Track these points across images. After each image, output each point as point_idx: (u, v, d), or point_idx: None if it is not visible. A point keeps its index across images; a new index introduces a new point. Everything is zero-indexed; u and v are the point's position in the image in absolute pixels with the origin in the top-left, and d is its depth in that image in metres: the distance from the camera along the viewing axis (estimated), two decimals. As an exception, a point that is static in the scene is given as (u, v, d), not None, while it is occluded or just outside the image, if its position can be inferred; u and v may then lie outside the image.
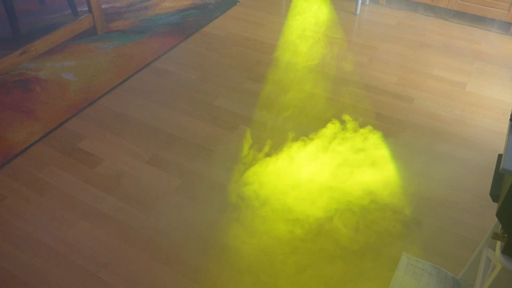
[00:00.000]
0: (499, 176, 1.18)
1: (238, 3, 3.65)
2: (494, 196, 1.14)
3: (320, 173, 2.10)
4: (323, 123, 2.39)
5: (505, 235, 1.10)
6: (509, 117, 2.42)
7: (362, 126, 2.37)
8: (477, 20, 3.35)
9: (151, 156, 2.20)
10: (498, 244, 1.15)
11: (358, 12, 3.47)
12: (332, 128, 2.36)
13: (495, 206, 1.97)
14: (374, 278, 1.70)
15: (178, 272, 1.70)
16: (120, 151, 2.23)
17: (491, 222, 1.91)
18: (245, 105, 2.52)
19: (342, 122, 2.40)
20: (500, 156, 1.20)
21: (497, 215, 1.07)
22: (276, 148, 2.24)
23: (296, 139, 2.29)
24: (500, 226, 1.13)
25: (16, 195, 2.00)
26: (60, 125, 2.39)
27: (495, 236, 1.12)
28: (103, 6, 3.59)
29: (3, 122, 2.40)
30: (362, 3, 3.56)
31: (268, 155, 2.20)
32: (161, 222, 1.89)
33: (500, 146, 2.27)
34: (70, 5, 3.39)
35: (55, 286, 1.66)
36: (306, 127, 2.36)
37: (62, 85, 2.71)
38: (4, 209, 1.94)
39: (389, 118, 2.44)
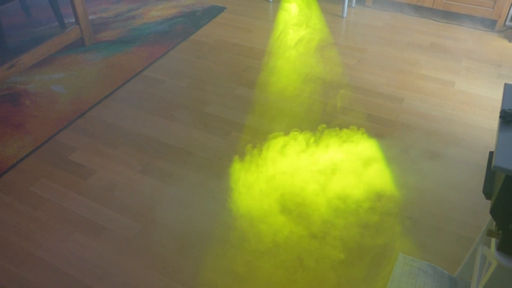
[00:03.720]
0: (491, 173, 1.19)
1: (225, 10, 3.66)
2: (487, 193, 1.15)
3: (314, 176, 2.10)
4: (314, 126, 2.39)
5: (499, 232, 1.11)
6: (498, 114, 2.44)
7: (353, 128, 2.38)
8: (463, 18, 3.38)
9: (144, 166, 2.19)
10: (493, 241, 1.16)
11: (345, 15, 3.49)
12: (323, 131, 2.37)
13: (488, 203, 1.98)
14: (371, 279, 1.70)
15: (175, 281, 1.69)
16: (113, 162, 2.22)
17: (485, 219, 1.92)
18: (236, 111, 2.53)
19: (333, 125, 2.40)
20: (491, 153, 1.21)
21: (491, 212, 1.08)
22: (270, 153, 2.24)
23: (289, 143, 2.29)
24: (494, 223, 1.13)
25: (9, 210, 1.98)
26: (51, 138, 2.38)
27: (489, 233, 1.13)
28: (90, 17, 3.58)
29: (-7, 136, 2.39)
30: (348, 6, 3.59)
31: (261, 160, 2.20)
32: (156, 231, 1.88)
33: (490, 143, 2.29)
34: (57, 17, 3.38)
35: (52, 300, 1.65)
36: (297, 132, 2.37)
37: (51, 97, 2.69)
38: (-3, 224, 1.92)
39: (380, 119, 2.45)
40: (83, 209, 1.98)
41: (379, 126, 2.40)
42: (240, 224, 1.90)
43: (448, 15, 3.45)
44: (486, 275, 1.23)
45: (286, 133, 2.36)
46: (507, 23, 3.21)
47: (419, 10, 3.52)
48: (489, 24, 3.31)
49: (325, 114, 2.49)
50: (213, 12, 3.64)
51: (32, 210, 1.98)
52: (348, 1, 3.49)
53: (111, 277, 1.71)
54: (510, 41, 3.12)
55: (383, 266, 1.74)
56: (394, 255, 1.78)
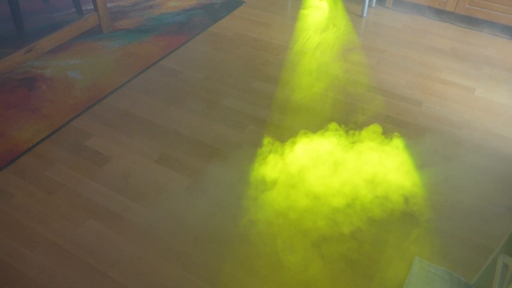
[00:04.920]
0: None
1: (244, 4, 3.64)
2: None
3: (331, 176, 2.09)
4: (331, 125, 2.37)
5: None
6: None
7: (372, 129, 2.36)
8: (485, 25, 3.35)
9: (159, 155, 2.18)
10: (522, 249, 1.14)
11: (365, 15, 3.46)
12: (340, 130, 2.34)
13: (506, 212, 1.96)
14: (386, 282, 1.68)
15: (189, 272, 1.68)
16: (128, 150, 2.21)
17: (502, 228, 1.90)
18: (254, 105, 2.51)
19: (351, 124, 2.38)
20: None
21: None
22: (286, 148, 2.22)
23: (305, 139, 2.27)
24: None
25: (24, 194, 1.97)
26: (67, 123, 2.37)
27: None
28: (107, 5, 3.56)
29: (9, 120, 2.38)
30: (368, 6, 3.55)
31: (278, 155, 2.18)
32: (171, 222, 1.87)
33: (510, 152, 2.26)
34: (75, 4, 3.36)
35: (64, 285, 1.63)
36: (315, 128, 2.35)
37: (68, 83, 2.68)
38: (12, 207, 1.91)
39: (398, 121, 2.43)
40: (98, 196, 1.97)
41: (397, 128, 2.38)
42: (257, 219, 1.88)
43: (470, 21, 3.42)
44: (510, 285, 1.21)
45: (304, 129, 2.34)
46: (529, 31, 3.18)
47: (440, 13, 3.48)
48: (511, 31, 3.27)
49: (343, 112, 2.47)
50: (232, 5, 3.62)
51: (47, 195, 1.97)
52: (369, 1, 3.46)
53: (124, 265, 1.70)
54: (531, 50, 3.09)
55: (399, 269, 1.72)
56: (411, 259, 1.76)
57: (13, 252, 1.74)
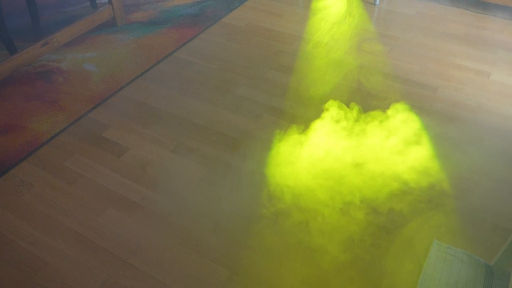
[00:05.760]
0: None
1: (256, -6, 3.64)
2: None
3: (347, 159, 2.09)
4: (348, 112, 2.37)
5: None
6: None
7: (387, 114, 2.36)
8: (499, 9, 3.31)
9: (176, 145, 2.20)
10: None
11: (377, 3, 3.44)
12: (357, 116, 2.34)
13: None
14: (405, 265, 1.69)
15: (208, 258, 1.70)
16: (145, 140, 2.23)
17: (521, 210, 1.90)
18: (268, 94, 2.51)
19: (367, 111, 2.38)
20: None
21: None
22: (302, 136, 2.23)
23: (321, 126, 2.28)
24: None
25: (44, 184, 2.01)
26: (84, 115, 2.40)
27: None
28: (121, -2, 3.59)
29: (28, 112, 2.41)
30: (381, -7, 3.54)
31: (294, 143, 2.19)
32: (189, 210, 1.89)
33: (527, 134, 2.25)
34: (89, -3, 3.40)
35: (87, 272, 1.66)
36: (331, 115, 2.35)
37: (84, 75, 2.71)
38: (33, 197, 1.95)
39: (414, 106, 2.42)
40: (116, 186, 2.00)
41: (414, 114, 2.37)
42: (273, 207, 1.90)
43: (484, 6, 3.38)
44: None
45: (319, 117, 2.34)
46: (545, 14, 3.14)
47: (454, -1, 3.46)
48: (526, 15, 3.24)
49: (358, 100, 2.46)
50: (244, -4, 3.62)
51: (67, 185, 2.01)
52: (381, -11, 3.44)
53: (145, 252, 1.73)
54: (547, 33, 3.06)
55: (418, 253, 1.73)
56: (429, 241, 1.76)
57: (36, 240, 1.77)
